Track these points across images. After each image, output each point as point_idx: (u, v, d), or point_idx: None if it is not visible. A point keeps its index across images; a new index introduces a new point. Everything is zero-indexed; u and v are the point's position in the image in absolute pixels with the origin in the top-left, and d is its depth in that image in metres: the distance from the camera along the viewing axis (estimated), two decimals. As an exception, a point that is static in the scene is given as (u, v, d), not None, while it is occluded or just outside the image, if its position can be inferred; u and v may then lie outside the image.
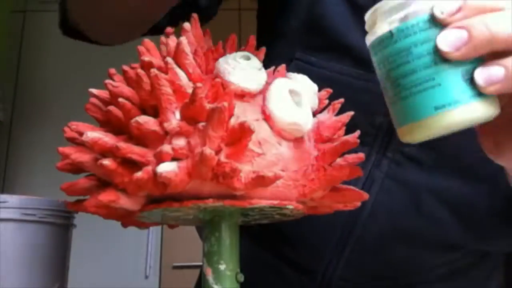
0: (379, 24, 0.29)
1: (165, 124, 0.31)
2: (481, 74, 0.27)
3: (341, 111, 0.38)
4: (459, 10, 0.27)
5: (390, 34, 0.28)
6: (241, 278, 0.35)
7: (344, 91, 0.45)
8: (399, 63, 0.28)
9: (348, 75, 0.49)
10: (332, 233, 0.52)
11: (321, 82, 0.38)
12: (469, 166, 0.47)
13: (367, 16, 0.31)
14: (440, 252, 0.53)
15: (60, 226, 0.49)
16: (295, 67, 0.51)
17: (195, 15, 0.40)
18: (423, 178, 0.49)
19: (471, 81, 0.27)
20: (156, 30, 0.55)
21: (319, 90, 0.39)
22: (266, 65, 0.40)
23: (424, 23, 0.27)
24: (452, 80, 0.27)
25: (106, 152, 0.32)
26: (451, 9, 0.27)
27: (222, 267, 0.34)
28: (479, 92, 0.27)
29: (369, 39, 0.30)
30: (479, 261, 0.56)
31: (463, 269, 0.55)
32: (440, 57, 0.27)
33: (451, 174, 0.49)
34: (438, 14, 0.27)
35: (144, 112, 0.33)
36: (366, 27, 0.31)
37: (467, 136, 0.36)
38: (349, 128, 0.40)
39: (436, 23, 0.27)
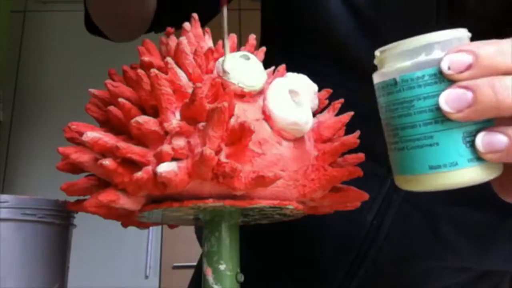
0: (387, 67, 0.28)
1: (165, 124, 0.31)
2: (483, 140, 0.25)
3: (362, 132, 0.36)
4: (469, 67, 0.24)
5: (394, 82, 0.27)
6: (241, 278, 0.35)
7: (359, 110, 0.44)
8: (400, 114, 0.27)
9: (360, 92, 0.45)
10: (347, 256, 0.51)
11: (335, 99, 0.36)
12: (488, 196, 0.47)
13: (377, 53, 0.29)
14: (453, 274, 0.52)
15: (60, 226, 0.49)
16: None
17: (195, 15, 0.40)
18: (441, 205, 0.48)
19: (472, 144, 0.25)
20: (160, 28, 0.58)
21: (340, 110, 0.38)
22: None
23: (430, 76, 0.26)
24: (451, 141, 0.26)
25: (106, 152, 0.32)
26: (460, 66, 0.25)
27: (222, 267, 0.34)
28: (478, 157, 0.25)
29: (376, 79, 0.29)
30: (489, 274, 0.56)
31: (473, 283, 0.55)
32: (442, 116, 0.25)
33: (473, 205, 0.47)
34: (445, 69, 0.25)
35: (144, 112, 0.33)
36: (375, 62, 0.30)
37: None
38: (367, 148, 0.38)
39: (443, 78, 0.25)
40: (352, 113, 0.38)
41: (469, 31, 0.27)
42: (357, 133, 0.38)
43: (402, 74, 0.26)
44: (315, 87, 0.38)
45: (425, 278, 0.52)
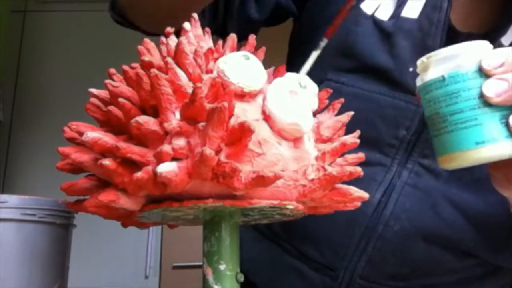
0: (432, 69, 0.35)
1: (165, 124, 0.31)
2: None
3: (370, 125, 0.42)
4: (501, 65, 0.33)
5: (443, 78, 0.34)
6: (241, 278, 0.35)
7: (372, 106, 0.54)
8: (449, 103, 0.34)
9: (376, 92, 0.55)
10: (356, 230, 0.55)
11: (351, 98, 0.45)
12: (481, 179, 0.51)
13: (420, 61, 0.36)
14: (456, 257, 0.55)
15: (60, 226, 0.49)
16: (326, 86, 0.55)
17: (195, 15, 0.40)
18: (440, 187, 0.54)
19: (507, 124, 0.33)
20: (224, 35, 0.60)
21: (349, 105, 0.40)
22: None
23: (472, 73, 0.34)
24: (492, 122, 0.33)
25: (106, 152, 0.32)
26: (495, 64, 0.33)
27: (222, 267, 0.34)
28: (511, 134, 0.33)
29: (421, 80, 0.36)
30: (494, 271, 0.58)
31: (478, 277, 0.58)
32: (483, 102, 0.33)
33: (465, 186, 0.53)
34: (485, 66, 0.33)
35: (144, 112, 0.33)
36: (418, 70, 0.37)
37: None
38: (375, 140, 0.48)
39: (482, 73, 0.33)
40: (352, 113, 0.39)
41: None
42: (357, 133, 0.38)
43: (449, 72, 0.34)
44: (315, 87, 0.38)
45: (429, 255, 0.55)
